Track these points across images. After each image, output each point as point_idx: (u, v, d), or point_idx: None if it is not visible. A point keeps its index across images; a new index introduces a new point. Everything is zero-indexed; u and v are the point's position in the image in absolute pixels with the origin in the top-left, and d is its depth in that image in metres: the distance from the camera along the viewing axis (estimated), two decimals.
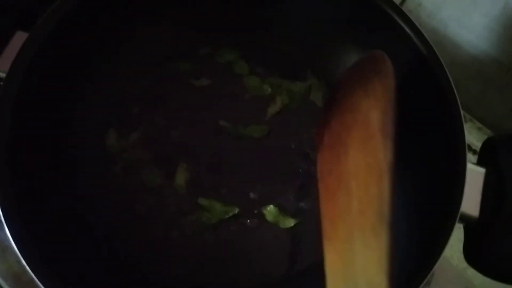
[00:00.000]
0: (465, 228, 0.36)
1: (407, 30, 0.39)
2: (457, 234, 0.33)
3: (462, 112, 0.36)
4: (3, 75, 0.34)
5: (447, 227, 0.32)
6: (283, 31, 0.46)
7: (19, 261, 0.30)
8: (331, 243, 0.30)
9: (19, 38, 0.36)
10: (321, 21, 0.44)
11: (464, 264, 0.37)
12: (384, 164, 0.28)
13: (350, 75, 0.36)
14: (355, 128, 0.32)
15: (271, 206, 0.41)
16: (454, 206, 0.33)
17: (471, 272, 0.36)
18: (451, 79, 0.37)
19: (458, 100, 0.36)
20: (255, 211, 0.41)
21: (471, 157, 0.51)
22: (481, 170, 0.35)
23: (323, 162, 0.35)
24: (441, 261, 0.31)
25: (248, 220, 0.40)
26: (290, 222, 0.40)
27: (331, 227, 0.31)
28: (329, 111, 0.37)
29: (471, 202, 0.33)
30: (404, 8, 0.40)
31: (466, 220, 0.34)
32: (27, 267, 0.29)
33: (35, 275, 0.29)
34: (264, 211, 0.41)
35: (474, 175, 0.34)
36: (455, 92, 0.37)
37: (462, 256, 0.36)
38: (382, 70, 0.32)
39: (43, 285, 0.29)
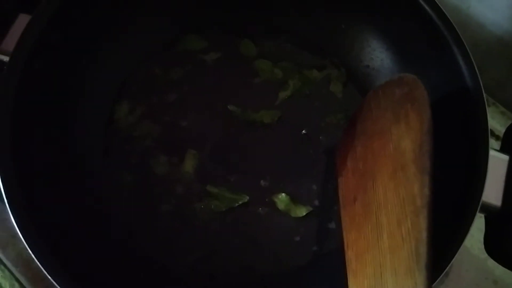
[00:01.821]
0: (486, 218, 0.34)
1: (428, 9, 0.37)
2: (478, 224, 0.32)
3: (485, 95, 0.34)
4: (6, 58, 0.34)
5: (467, 217, 0.31)
6: (298, 16, 0.44)
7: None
8: (357, 278, 0.29)
9: (22, 21, 0.36)
10: (335, 4, 0.42)
11: (484, 254, 0.35)
12: (420, 200, 0.26)
13: (377, 96, 0.34)
14: (384, 155, 0.30)
15: (283, 194, 0.39)
16: (476, 195, 0.31)
17: (492, 263, 0.34)
18: (473, 61, 0.36)
19: (481, 83, 0.34)
20: (266, 200, 0.40)
21: (493, 143, 0.49)
22: (505, 157, 0.33)
23: (346, 187, 0.34)
24: (460, 251, 0.30)
25: (259, 209, 0.39)
26: (302, 211, 0.39)
27: (357, 261, 0.29)
28: (352, 132, 0.35)
29: (493, 191, 0.32)
30: None
31: (488, 209, 0.32)
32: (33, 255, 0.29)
33: (40, 264, 0.29)
34: (276, 200, 0.39)
35: (497, 163, 0.33)
36: (478, 74, 0.35)
37: (482, 246, 0.35)
38: (415, 97, 0.30)
39: (51, 276, 0.29)
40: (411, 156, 0.28)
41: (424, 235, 0.25)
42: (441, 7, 0.37)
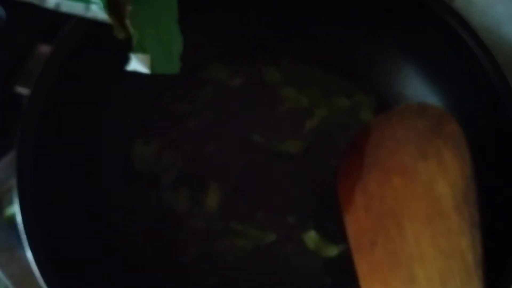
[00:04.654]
0: None
1: (464, 36, 0.36)
2: None
3: None
4: (26, 90, 0.33)
5: None
6: (325, 41, 0.42)
7: None
8: None
9: (42, 51, 0.35)
10: (364, 28, 0.40)
11: None
12: (472, 257, 0.24)
13: (391, 124, 0.32)
14: (410, 197, 0.28)
15: (312, 231, 0.37)
16: None
17: None
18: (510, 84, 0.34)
19: None
20: (294, 237, 0.37)
21: None
22: None
23: (357, 227, 0.31)
24: None
25: (287, 247, 0.37)
26: (334, 250, 0.37)
27: None
28: (358, 161, 0.33)
29: None
30: (454, 7, 0.38)
31: None
32: None
33: None
34: (304, 237, 0.37)
35: None
36: None
37: None
38: (448, 133, 0.28)
39: None
40: (451, 203, 0.26)
41: None
42: (477, 33, 0.36)
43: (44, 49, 0.35)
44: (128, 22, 0.24)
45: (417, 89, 0.41)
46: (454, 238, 0.25)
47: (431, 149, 0.28)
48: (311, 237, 0.37)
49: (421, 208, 0.27)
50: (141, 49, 0.25)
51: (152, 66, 0.25)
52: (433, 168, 0.27)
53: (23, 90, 0.34)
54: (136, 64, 0.25)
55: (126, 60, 0.38)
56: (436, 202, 0.26)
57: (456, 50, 0.37)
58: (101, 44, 0.35)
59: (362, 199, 0.31)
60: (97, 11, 0.24)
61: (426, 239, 0.26)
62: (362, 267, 0.29)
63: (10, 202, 0.39)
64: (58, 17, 0.36)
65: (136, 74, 0.39)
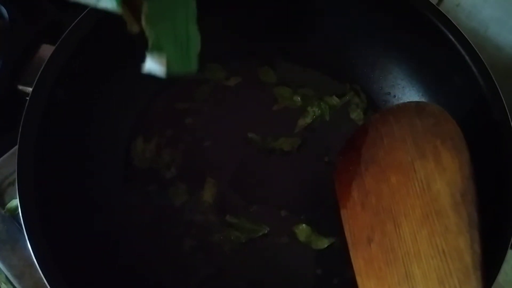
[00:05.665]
0: None
1: (451, 37, 0.37)
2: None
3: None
4: (29, 89, 0.34)
5: (499, 254, 0.30)
6: (318, 43, 0.44)
7: None
8: None
9: (44, 51, 0.36)
10: (355, 30, 0.42)
11: (509, 286, 0.34)
12: (470, 258, 0.23)
13: (388, 122, 0.32)
14: (407, 194, 0.27)
15: (303, 225, 0.39)
16: (506, 234, 0.30)
17: None
18: (500, 90, 0.35)
19: (508, 113, 0.34)
20: (286, 231, 0.39)
21: None
22: None
23: (354, 223, 0.31)
24: None
25: (280, 240, 0.38)
26: (324, 243, 0.38)
27: None
28: (356, 158, 0.32)
29: None
30: (441, 9, 0.38)
31: None
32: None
33: None
34: (296, 230, 0.39)
35: None
36: (505, 105, 0.34)
37: (507, 278, 0.35)
38: (446, 133, 0.28)
39: None
40: (449, 202, 0.25)
41: None
42: (464, 34, 0.37)
43: (47, 49, 0.36)
44: (143, 21, 0.23)
45: (405, 89, 0.42)
46: (451, 237, 0.24)
47: (428, 148, 0.28)
48: (302, 230, 0.38)
49: (417, 206, 0.27)
50: (157, 49, 0.23)
51: (168, 66, 0.23)
52: (431, 167, 0.27)
53: (26, 89, 0.35)
54: (152, 65, 0.23)
55: (126, 61, 0.39)
56: (433, 200, 0.26)
57: (443, 51, 0.38)
58: (101, 45, 0.36)
59: (359, 195, 0.31)
60: (109, 3, 0.22)
61: (423, 237, 0.26)
62: (358, 263, 0.29)
63: (13, 196, 0.40)
64: (61, 19, 0.38)
65: (135, 73, 0.40)
